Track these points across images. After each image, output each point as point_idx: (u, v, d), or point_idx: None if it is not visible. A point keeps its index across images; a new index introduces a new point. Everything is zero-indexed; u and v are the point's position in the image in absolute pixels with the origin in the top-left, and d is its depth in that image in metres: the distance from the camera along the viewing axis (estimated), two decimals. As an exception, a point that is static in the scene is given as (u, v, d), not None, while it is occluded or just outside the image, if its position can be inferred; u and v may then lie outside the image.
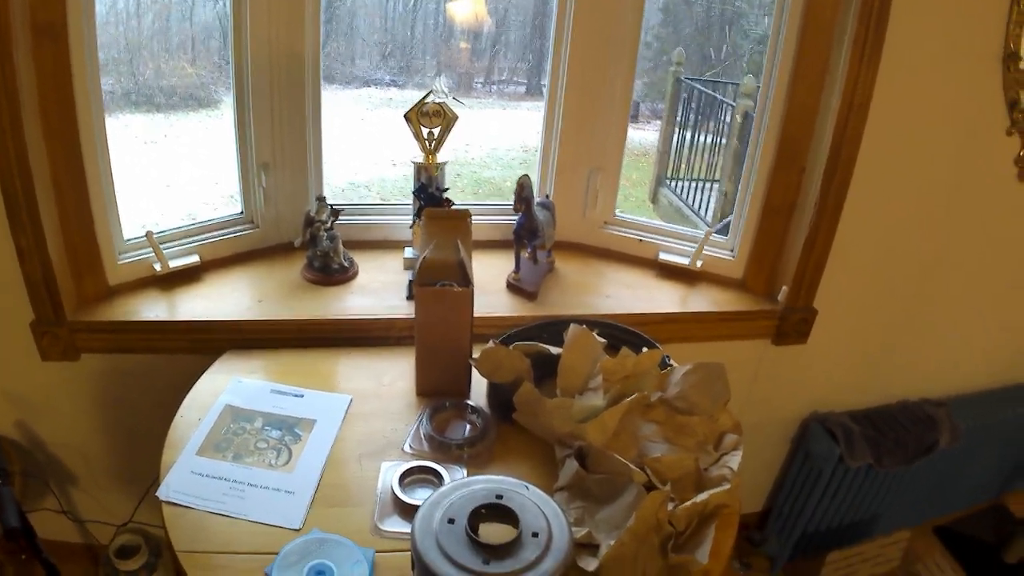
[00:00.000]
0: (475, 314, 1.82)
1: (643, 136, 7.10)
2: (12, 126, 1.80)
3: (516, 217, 2.27)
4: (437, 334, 1.80)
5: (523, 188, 2.19)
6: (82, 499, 2.50)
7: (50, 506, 2.39)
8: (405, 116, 2.21)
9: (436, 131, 2.23)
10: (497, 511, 1.25)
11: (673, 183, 7.00)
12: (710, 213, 6.11)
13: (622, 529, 1.36)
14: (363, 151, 6.12)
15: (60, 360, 2.15)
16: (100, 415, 2.33)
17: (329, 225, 2.29)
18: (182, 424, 1.74)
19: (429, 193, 2.25)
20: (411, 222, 2.36)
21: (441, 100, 2.22)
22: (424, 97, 2.21)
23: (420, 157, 2.27)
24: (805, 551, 2.95)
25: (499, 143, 6.84)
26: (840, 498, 2.77)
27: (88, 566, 2.60)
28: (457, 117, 2.23)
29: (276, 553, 1.38)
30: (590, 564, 1.35)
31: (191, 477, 1.57)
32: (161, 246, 2.23)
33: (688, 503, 1.41)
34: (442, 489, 1.29)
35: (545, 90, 2.50)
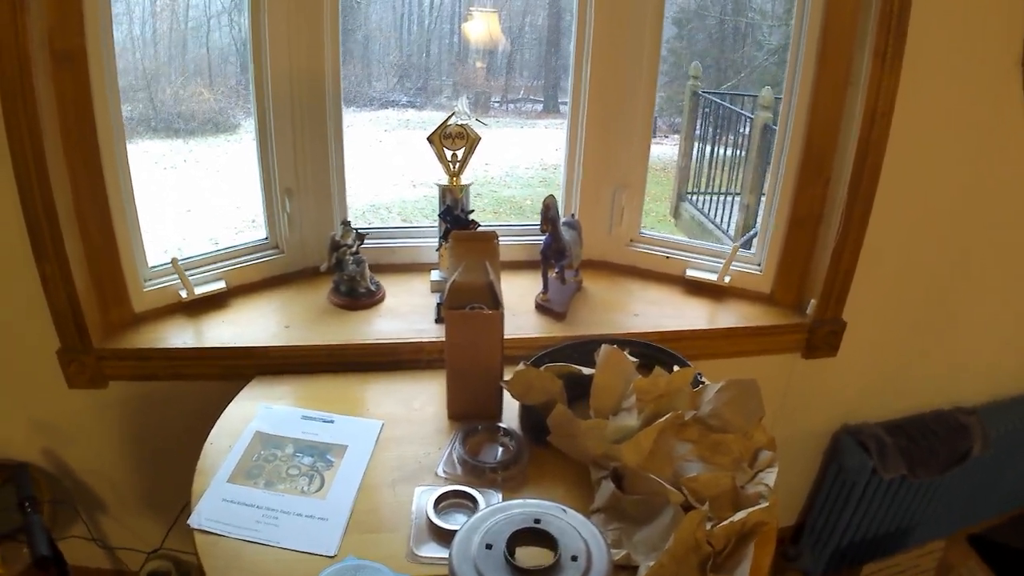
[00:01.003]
0: (505, 336, 1.80)
1: (662, 151, 7.11)
2: (34, 154, 1.81)
3: (542, 237, 2.26)
4: (468, 357, 1.79)
5: (549, 208, 2.18)
6: (111, 526, 2.49)
7: (79, 533, 2.39)
8: (428, 139, 2.21)
9: (460, 153, 2.23)
10: (535, 535, 1.24)
11: (694, 197, 6.99)
12: (732, 226, 6.10)
13: (660, 550, 1.35)
14: (383, 173, 6.13)
15: (87, 388, 2.15)
16: (128, 442, 2.33)
17: (355, 249, 2.29)
18: (212, 451, 1.73)
19: (455, 215, 2.25)
20: (437, 244, 2.36)
21: (464, 121, 2.22)
22: (447, 119, 2.20)
23: (444, 179, 2.27)
24: (840, 565, 2.93)
25: (518, 161, 6.85)
26: (874, 510, 2.75)
27: (118, 593, 2.60)
28: (480, 138, 2.22)
29: (311, 581, 1.37)
30: (630, 587, 1.34)
31: (223, 505, 1.57)
32: (186, 272, 2.24)
33: (726, 522, 1.40)
34: (479, 514, 1.28)
35: (566, 109, 2.50)
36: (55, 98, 1.85)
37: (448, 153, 2.23)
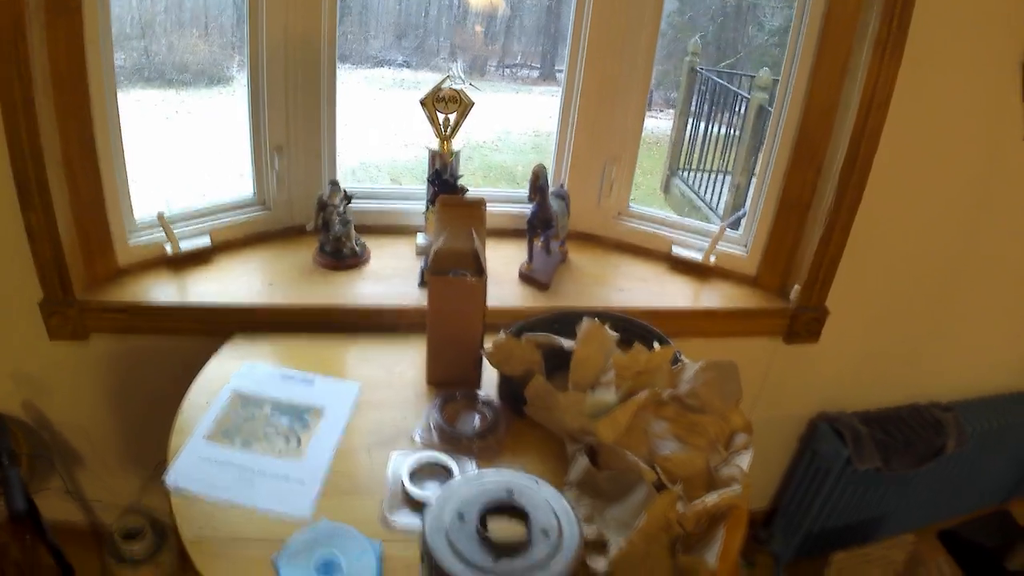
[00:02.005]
0: (487, 304, 1.80)
1: (656, 124, 7.08)
2: (24, 102, 1.79)
3: (530, 206, 2.26)
4: (449, 324, 1.79)
5: (538, 177, 2.17)
6: (88, 480, 2.50)
7: (56, 486, 2.38)
8: (421, 101, 2.20)
9: (452, 117, 2.22)
10: (508, 507, 1.24)
11: (685, 173, 6.97)
12: (722, 206, 6.09)
13: (632, 528, 1.36)
14: (374, 131, 6.10)
15: (69, 340, 2.14)
16: (108, 396, 2.33)
17: (342, 209, 2.28)
18: (190, 408, 1.73)
19: (443, 180, 2.24)
20: (424, 208, 2.35)
21: (458, 86, 2.20)
22: (440, 83, 2.19)
23: (435, 143, 2.25)
24: (810, 551, 2.94)
25: (511, 127, 6.82)
26: (846, 499, 2.76)
27: (93, 548, 2.59)
28: (473, 103, 2.21)
29: (284, 542, 1.37)
30: (599, 563, 1.34)
31: (199, 463, 1.57)
32: (172, 227, 2.22)
33: (698, 503, 1.40)
34: (452, 484, 1.28)
35: (562, 77, 2.48)
36: (47, 46, 1.83)
37: (440, 117, 2.22)
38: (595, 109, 2.43)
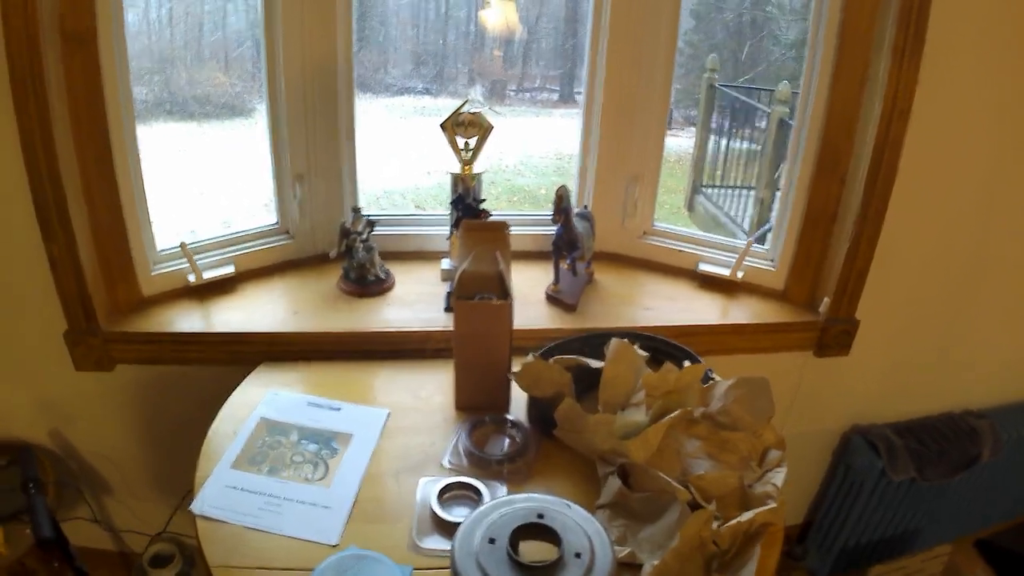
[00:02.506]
0: (514, 327, 1.79)
1: (677, 143, 7.07)
2: (42, 134, 1.80)
3: (554, 228, 2.25)
4: (476, 347, 1.78)
5: (562, 199, 2.17)
6: (116, 508, 2.50)
7: (84, 514, 2.39)
8: (441, 126, 2.20)
9: (472, 141, 2.21)
10: (539, 530, 1.22)
11: (709, 190, 6.96)
12: (747, 221, 6.06)
13: (665, 548, 1.34)
14: (397, 160, 6.12)
15: (94, 370, 2.14)
16: (134, 425, 2.33)
17: (365, 236, 2.28)
18: (217, 437, 1.72)
19: (466, 204, 2.24)
20: (448, 233, 2.34)
21: (477, 110, 2.20)
22: (460, 107, 2.19)
23: (456, 167, 2.25)
24: (846, 566, 2.91)
25: (533, 150, 6.82)
26: (881, 512, 2.73)
27: (121, 574, 2.59)
28: (493, 127, 2.20)
29: (312, 569, 1.36)
30: (634, 585, 1.32)
31: (226, 491, 1.56)
32: (195, 256, 2.23)
33: (733, 522, 1.38)
34: (483, 507, 1.27)
35: (581, 99, 2.48)
36: (65, 80, 1.85)
37: (460, 141, 2.22)
38: (616, 129, 2.43)
